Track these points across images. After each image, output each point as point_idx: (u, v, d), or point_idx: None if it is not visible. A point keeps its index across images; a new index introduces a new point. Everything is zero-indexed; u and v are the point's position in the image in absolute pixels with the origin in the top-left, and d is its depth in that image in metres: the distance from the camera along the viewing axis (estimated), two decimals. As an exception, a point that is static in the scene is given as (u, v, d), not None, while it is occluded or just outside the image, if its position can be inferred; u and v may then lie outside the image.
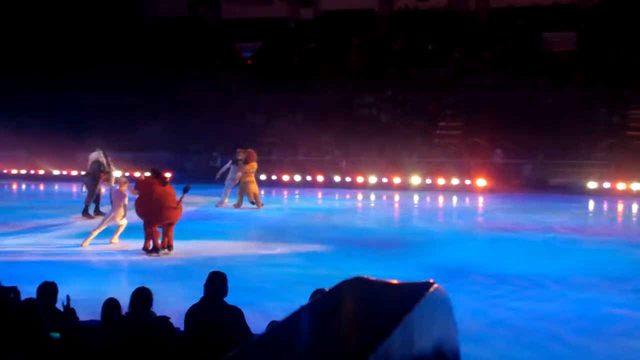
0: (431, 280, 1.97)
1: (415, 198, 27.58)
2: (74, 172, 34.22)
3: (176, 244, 15.67)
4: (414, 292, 1.87)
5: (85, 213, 20.64)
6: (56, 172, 34.73)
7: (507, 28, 39.50)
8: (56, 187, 31.86)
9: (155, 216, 15.08)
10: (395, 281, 2.04)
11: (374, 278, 2.07)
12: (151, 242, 15.21)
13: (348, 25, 41.87)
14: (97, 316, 7.22)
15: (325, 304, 1.94)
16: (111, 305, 7.09)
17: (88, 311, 8.14)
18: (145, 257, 14.91)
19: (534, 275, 13.47)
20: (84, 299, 9.84)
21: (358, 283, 1.99)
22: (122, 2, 45.50)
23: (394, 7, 43.66)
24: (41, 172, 34.76)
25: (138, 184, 15.87)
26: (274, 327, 1.68)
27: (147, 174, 15.91)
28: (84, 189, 20.79)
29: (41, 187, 32.05)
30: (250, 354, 1.61)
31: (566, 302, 11.54)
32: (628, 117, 33.64)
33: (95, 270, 13.65)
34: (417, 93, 37.10)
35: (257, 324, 7.14)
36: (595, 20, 38.74)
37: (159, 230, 15.30)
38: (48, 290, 7.56)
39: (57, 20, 43.17)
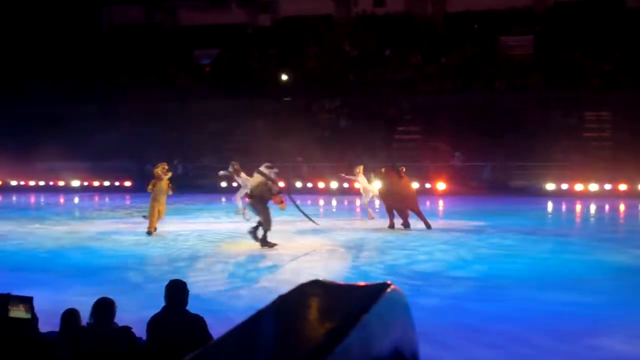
0: (388, 282, 1.97)
1: (377, 202, 27.62)
2: (32, 183, 33.84)
3: (133, 252, 15.76)
4: (371, 294, 1.88)
5: (264, 242, 16.89)
6: (14, 183, 34.28)
7: (464, 32, 39.85)
8: (14, 198, 31.42)
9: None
10: (352, 283, 2.05)
11: (331, 281, 2.08)
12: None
13: (306, 31, 41.92)
14: (56, 327, 7.12)
15: (283, 307, 1.95)
16: (70, 315, 7.00)
17: (49, 322, 8.03)
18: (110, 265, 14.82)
19: (495, 277, 13.57)
20: (46, 309, 9.71)
21: (316, 286, 2.00)
22: (78, 10, 45.05)
23: (351, 13, 43.82)
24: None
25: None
26: (231, 330, 1.68)
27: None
28: (247, 215, 20.23)
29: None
30: (209, 356, 1.60)
31: (527, 302, 11.63)
32: (584, 119, 34.10)
33: (55, 280, 13.48)
34: (375, 98, 37.24)
35: (219, 331, 7.09)
36: (550, 24, 39.26)
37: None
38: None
39: (11, 30, 42.63)
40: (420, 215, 20.11)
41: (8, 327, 6.60)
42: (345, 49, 41.17)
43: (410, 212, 20.11)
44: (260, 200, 16.50)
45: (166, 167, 19.73)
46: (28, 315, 6.74)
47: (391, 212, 20.37)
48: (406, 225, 20.00)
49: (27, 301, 6.85)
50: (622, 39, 36.20)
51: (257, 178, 16.86)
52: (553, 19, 39.68)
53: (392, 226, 20.20)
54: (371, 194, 22.14)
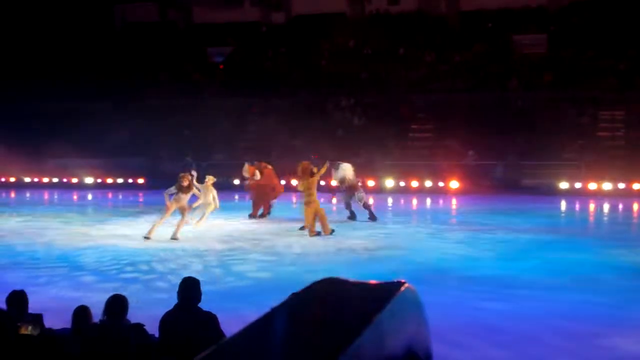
0: (402, 280, 1.97)
1: (389, 200, 27.63)
2: (45, 180, 33.96)
3: (143, 252, 15.82)
4: (385, 292, 1.87)
5: (373, 215, 21.21)
6: (27, 180, 34.42)
7: (478, 31, 39.73)
8: (28, 194, 31.54)
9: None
10: (366, 281, 2.05)
11: (345, 279, 2.07)
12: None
13: (319, 29, 41.87)
14: (68, 324, 7.14)
15: (296, 305, 1.94)
16: (81, 312, 7.02)
17: (61, 319, 8.06)
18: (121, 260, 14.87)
19: (507, 276, 13.54)
20: (57, 306, 9.75)
21: (329, 284, 1.99)
22: (93, 7, 45.15)
23: (365, 11, 43.74)
24: (12, 179, 34.46)
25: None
26: (245, 328, 1.68)
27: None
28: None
29: (12, 194, 31.72)
30: (223, 354, 1.60)
31: (539, 302, 11.60)
32: (597, 118, 33.94)
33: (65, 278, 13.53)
34: (389, 96, 37.17)
35: (232, 329, 7.07)
36: (564, 23, 39.08)
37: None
38: (17, 299, 7.42)
39: (25, 27, 42.79)
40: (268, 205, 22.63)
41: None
42: (358, 47, 41.13)
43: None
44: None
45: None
46: (36, 333, 6.76)
47: (262, 205, 22.45)
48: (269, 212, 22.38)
49: (37, 319, 6.90)
50: (637, 38, 35.99)
51: (349, 170, 20.51)
52: (567, 17, 39.50)
53: (255, 215, 22.16)
54: (213, 206, 21.19)
